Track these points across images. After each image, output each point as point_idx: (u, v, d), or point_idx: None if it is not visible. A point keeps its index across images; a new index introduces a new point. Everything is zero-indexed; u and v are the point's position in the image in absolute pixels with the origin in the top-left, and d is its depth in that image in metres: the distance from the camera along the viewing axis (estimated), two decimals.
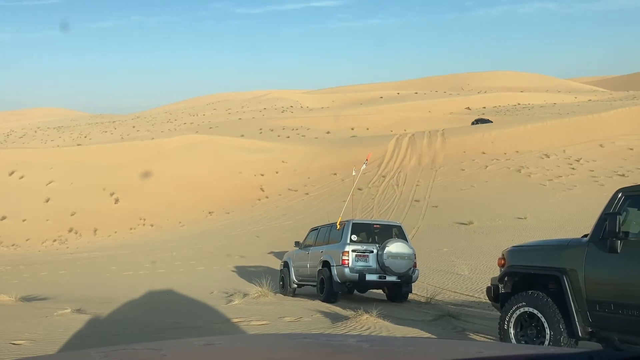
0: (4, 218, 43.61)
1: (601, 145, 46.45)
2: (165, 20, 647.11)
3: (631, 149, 45.01)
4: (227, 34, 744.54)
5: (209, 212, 45.91)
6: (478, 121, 66.38)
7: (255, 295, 11.84)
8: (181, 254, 28.74)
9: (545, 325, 5.57)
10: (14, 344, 6.74)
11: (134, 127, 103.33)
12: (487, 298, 7.20)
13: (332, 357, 1.57)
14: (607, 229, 5.09)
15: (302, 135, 70.03)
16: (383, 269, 11.10)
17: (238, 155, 54.19)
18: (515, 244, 7.01)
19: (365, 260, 11.15)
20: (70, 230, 43.05)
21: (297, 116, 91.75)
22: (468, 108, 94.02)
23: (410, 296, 13.05)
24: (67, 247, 38.61)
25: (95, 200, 45.92)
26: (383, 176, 47.82)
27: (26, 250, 38.67)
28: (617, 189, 5.54)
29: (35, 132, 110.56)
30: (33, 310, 9.82)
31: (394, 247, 11.07)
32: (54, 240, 41.30)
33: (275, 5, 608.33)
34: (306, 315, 9.45)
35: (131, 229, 43.45)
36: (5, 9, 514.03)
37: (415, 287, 14.52)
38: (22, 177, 49.14)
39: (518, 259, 6.30)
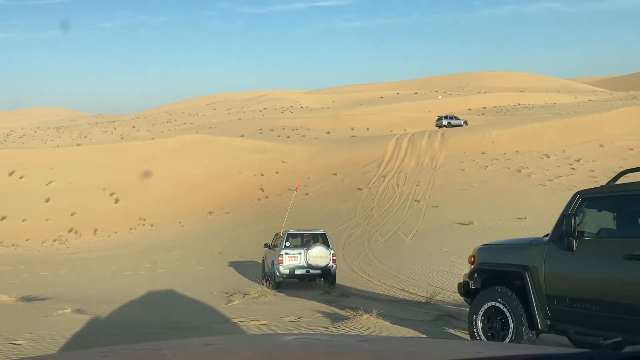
0: (4, 218, 43.61)
1: (601, 145, 46.45)
2: (170, 20, 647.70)
3: (631, 149, 45.01)
4: (230, 33, 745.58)
5: (209, 212, 45.90)
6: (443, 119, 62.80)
7: (255, 295, 11.84)
8: (181, 254, 28.74)
9: (510, 318, 5.94)
10: (14, 344, 6.73)
11: (134, 127, 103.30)
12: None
13: (332, 357, 1.57)
14: (564, 229, 5.44)
15: (302, 135, 70.04)
16: (308, 266, 15.01)
17: (238, 155, 54.19)
18: (484, 243, 7.38)
19: (296, 260, 15.10)
20: (70, 230, 43.04)
21: (297, 116, 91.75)
22: (469, 109, 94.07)
23: (410, 296, 13.21)
24: (67, 247, 38.61)
25: (95, 200, 45.91)
26: (383, 176, 47.81)
27: (26, 250, 38.66)
28: (576, 191, 5.84)
29: (35, 132, 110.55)
30: (33, 310, 9.81)
31: (314, 250, 15.03)
32: (54, 240, 41.29)
33: (281, 5, 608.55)
34: (306, 315, 9.44)
35: (131, 229, 43.44)
36: (9, 8, 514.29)
37: (415, 287, 14.62)
38: (22, 177, 49.14)
39: (487, 256, 6.68)
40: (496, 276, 6.47)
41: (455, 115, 66.15)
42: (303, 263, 15.08)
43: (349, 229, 34.27)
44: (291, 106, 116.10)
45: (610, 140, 47.57)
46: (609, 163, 40.88)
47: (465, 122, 62.69)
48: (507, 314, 5.99)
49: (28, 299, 11.92)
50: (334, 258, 15.58)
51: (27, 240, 40.77)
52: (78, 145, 68.19)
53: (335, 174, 49.87)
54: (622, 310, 5.02)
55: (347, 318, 8.65)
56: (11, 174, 49.42)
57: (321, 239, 16.08)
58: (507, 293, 6.09)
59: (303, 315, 9.48)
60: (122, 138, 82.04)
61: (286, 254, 15.14)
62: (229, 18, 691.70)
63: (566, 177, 37.51)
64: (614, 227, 5.56)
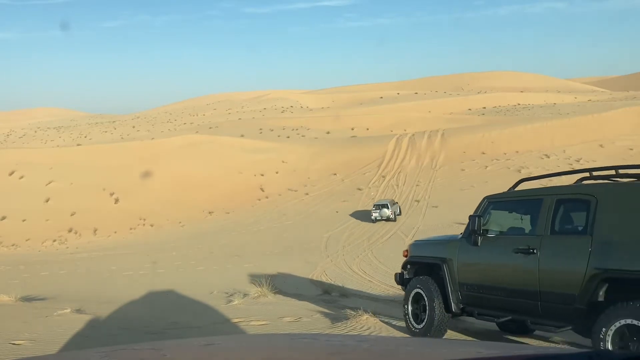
0: (4, 218, 43.63)
1: (601, 145, 46.47)
2: (172, 20, 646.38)
3: (631, 149, 45.02)
4: (232, 33, 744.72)
5: (209, 212, 45.92)
6: None
7: (255, 295, 11.83)
8: (181, 254, 28.75)
9: (427, 302, 6.99)
10: (14, 344, 6.74)
11: (134, 127, 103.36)
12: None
13: (332, 357, 1.57)
14: (470, 227, 6.53)
15: (302, 135, 70.05)
16: (380, 215, 35.27)
17: (238, 155, 54.20)
18: (416, 239, 8.67)
19: (376, 213, 35.39)
20: (70, 230, 43.06)
21: (297, 116, 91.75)
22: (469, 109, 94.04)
23: None
24: (67, 247, 38.61)
25: (95, 200, 45.93)
26: (383, 176, 47.82)
27: (26, 250, 38.66)
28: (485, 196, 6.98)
29: (35, 132, 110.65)
30: (33, 310, 9.81)
31: (381, 210, 35.38)
32: (54, 240, 41.30)
33: (284, 5, 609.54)
34: (306, 315, 9.44)
35: (131, 229, 43.45)
36: (11, 7, 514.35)
37: None
38: (22, 177, 49.16)
39: (417, 251, 7.81)
40: (423, 267, 7.52)
41: None
42: (378, 214, 35.49)
43: (349, 229, 34.27)
44: (291, 106, 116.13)
45: (610, 140, 47.58)
46: (608, 163, 40.74)
47: None
48: (426, 299, 7.02)
49: (28, 299, 11.91)
50: (393, 213, 35.62)
51: (27, 240, 40.77)
52: (78, 145, 68.21)
53: (335, 174, 49.87)
54: (512, 294, 6.09)
55: (347, 318, 8.63)
56: (11, 174, 49.44)
57: (387, 204, 36.02)
58: (428, 281, 7.13)
59: (303, 315, 9.48)
60: (122, 138, 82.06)
61: (373, 210, 35.81)
62: (231, 18, 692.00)
63: (566, 178, 37.48)
64: (512, 226, 6.62)
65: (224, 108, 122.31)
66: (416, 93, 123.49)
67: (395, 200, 38.76)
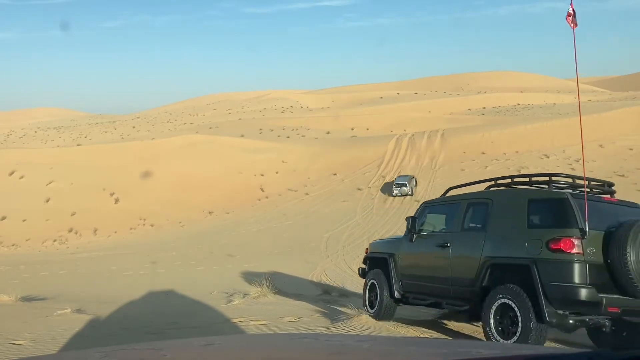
0: (4, 218, 43.61)
1: (601, 146, 46.45)
2: (172, 20, 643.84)
3: (631, 149, 45.01)
4: (232, 33, 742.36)
5: (209, 212, 45.91)
6: None
7: (255, 295, 11.81)
8: (181, 254, 28.74)
9: (378, 291, 8.27)
10: (14, 344, 6.74)
11: (134, 127, 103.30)
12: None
13: (332, 357, 1.57)
14: (408, 227, 7.96)
15: (302, 135, 70.02)
16: (399, 192, 41.26)
17: (238, 155, 54.19)
18: (375, 239, 10.30)
19: (397, 190, 41.37)
20: (70, 230, 43.05)
21: (297, 116, 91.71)
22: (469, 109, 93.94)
23: None
24: (67, 247, 38.60)
25: (95, 200, 45.92)
26: (383, 176, 47.81)
27: (26, 250, 38.66)
28: (422, 202, 8.42)
29: (35, 132, 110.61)
30: (33, 310, 9.80)
31: (402, 187, 41.32)
32: (54, 240, 41.29)
33: (284, 5, 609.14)
34: (306, 315, 9.43)
35: (131, 229, 43.45)
36: (11, 7, 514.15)
37: None
38: (22, 177, 49.15)
39: (375, 248, 9.21)
40: (377, 262, 8.73)
41: None
42: (398, 191, 40.84)
43: (349, 229, 34.28)
44: (291, 106, 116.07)
45: (610, 140, 47.57)
46: (608, 163, 40.89)
47: None
48: (377, 288, 8.31)
49: (28, 299, 11.90)
50: (411, 189, 41.05)
51: (27, 240, 40.77)
52: (78, 145, 68.18)
53: (335, 174, 49.87)
54: (433, 281, 7.43)
55: (347, 318, 8.64)
56: (11, 174, 49.43)
57: (405, 182, 41.26)
58: (378, 273, 8.44)
59: (303, 315, 9.47)
60: (122, 138, 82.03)
61: (394, 188, 41.26)
62: (231, 18, 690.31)
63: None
64: (440, 225, 7.85)
65: (224, 108, 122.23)
66: (416, 93, 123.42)
67: (413, 175, 44.45)
